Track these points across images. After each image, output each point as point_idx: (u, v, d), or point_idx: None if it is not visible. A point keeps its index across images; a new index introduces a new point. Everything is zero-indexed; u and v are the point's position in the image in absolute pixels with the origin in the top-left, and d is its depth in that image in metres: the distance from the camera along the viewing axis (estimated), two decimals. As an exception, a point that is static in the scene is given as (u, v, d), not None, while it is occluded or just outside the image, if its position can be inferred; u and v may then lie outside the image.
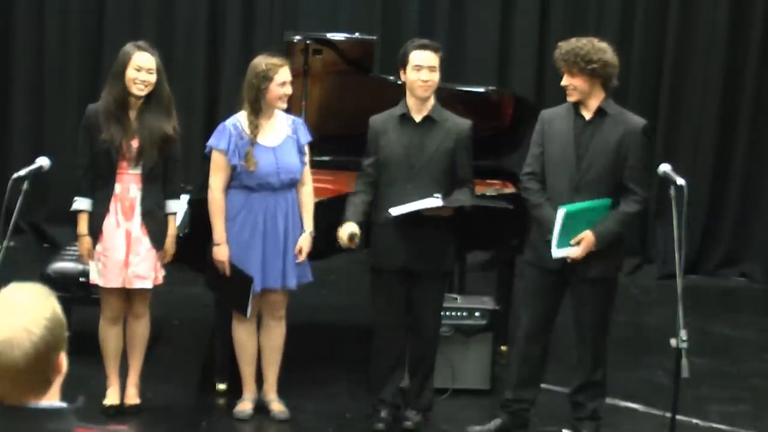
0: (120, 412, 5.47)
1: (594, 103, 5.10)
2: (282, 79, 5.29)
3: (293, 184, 5.41)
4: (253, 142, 5.30)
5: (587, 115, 5.13)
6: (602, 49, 5.07)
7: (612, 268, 5.22)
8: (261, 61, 5.32)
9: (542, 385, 5.48)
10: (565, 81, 5.09)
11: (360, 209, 5.29)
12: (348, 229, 5.19)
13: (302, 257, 5.39)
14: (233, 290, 5.39)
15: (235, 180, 5.35)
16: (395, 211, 5.18)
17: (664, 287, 8.07)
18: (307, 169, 5.47)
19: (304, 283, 5.50)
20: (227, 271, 5.34)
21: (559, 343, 5.61)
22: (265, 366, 5.61)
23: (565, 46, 5.10)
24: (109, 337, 5.46)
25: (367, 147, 5.35)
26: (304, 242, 5.40)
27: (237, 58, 8.52)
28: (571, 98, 5.11)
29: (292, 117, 5.52)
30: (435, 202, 5.17)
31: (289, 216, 5.38)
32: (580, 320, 5.25)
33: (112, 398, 5.51)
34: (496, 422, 5.44)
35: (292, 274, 5.41)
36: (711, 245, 8.89)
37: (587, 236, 5.04)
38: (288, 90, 5.32)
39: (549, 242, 5.05)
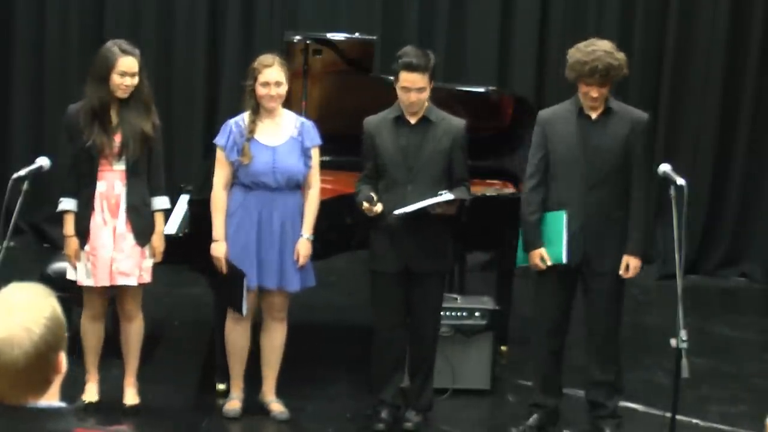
0: (97, 409, 5.46)
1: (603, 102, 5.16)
2: (265, 79, 5.28)
3: (294, 186, 5.40)
4: (249, 138, 5.31)
5: (593, 114, 5.14)
6: (619, 51, 5.10)
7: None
8: (256, 59, 5.36)
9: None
10: (596, 93, 5.05)
11: (369, 191, 5.25)
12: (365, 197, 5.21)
13: (301, 262, 5.38)
14: (228, 288, 5.38)
15: (236, 177, 5.37)
16: (399, 211, 5.16)
17: (664, 287, 8.06)
18: (315, 172, 5.45)
19: (307, 287, 5.49)
20: (224, 268, 5.34)
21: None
22: (264, 367, 5.60)
23: (596, 61, 5.00)
24: (90, 333, 5.44)
25: (363, 150, 5.34)
26: (302, 247, 5.38)
27: (237, 58, 8.51)
28: (596, 110, 5.12)
29: (302, 119, 5.51)
30: (444, 197, 5.15)
31: (287, 217, 5.37)
32: (592, 317, 5.28)
33: (90, 395, 5.50)
34: (534, 418, 5.45)
35: (292, 277, 5.40)
36: (711, 245, 8.88)
37: (627, 260, 5.16)
38: (274, 91, 5.29)
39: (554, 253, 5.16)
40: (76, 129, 5.23)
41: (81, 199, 5.30)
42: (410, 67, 5.14)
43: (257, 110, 5.35)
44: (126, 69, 5.17)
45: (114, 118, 5.23)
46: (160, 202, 5.39)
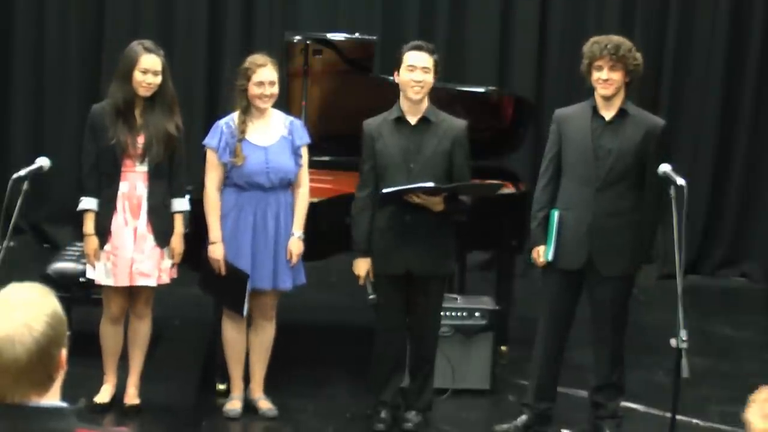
0: (106, 410, 5.46)
1: (617, 102, 5.15)
2: (259, 78, 5.28)
3: (286, 185, 5.40)
4: (240, 139, 5.30)
5: (608, 115, 5.15)
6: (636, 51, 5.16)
7: (631, 267, 5.26)
8: (247, 59, 5.36)
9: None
10: (607, 74, 5.06)
11: (368, 236, 5.27)
12: (364, 267, 5.24)
13: (294, 261, 5.38)
14: (228, 289, 5.38)
15: (228, 178, 5.36)
16: (386, 190, 5.14)
17: (664, 287, 8.07)
18: (304, 171, 5.45)
19: (297, 286, 5.49)
20: (222, 270, 5.34)
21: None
22: (253, 365, 5.59)
23: (606, 41, 5.08)
24: (110, 335, 5.47)
25: (363, 151, 5.32)
26: (293, 246, 5.38)
27: (237, 58, 8.47)
28: (608, 92, 5.09)
29: (290, 118, 5.50)
30: (425, 184, 5.13)
31: (280, 217, 5.37)
32: (598, 319, 5.28)
33: (103, 396, 5.51)
34: (522, 419, 5.44)
35: (285, 276, 5.40)
36: (711, 245, 8.89)
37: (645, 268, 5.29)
38: (268, 90, 5.29)
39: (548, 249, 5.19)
40: (100, 127, 5.24)
41: (103, 198, 5.30)
42: (417, 47, 5.20)
43: (248, 110, 5.35)
44: (148, 66, 5.19)
45: (139, 118, 5.25)
46: (180, 203, 5.39)
